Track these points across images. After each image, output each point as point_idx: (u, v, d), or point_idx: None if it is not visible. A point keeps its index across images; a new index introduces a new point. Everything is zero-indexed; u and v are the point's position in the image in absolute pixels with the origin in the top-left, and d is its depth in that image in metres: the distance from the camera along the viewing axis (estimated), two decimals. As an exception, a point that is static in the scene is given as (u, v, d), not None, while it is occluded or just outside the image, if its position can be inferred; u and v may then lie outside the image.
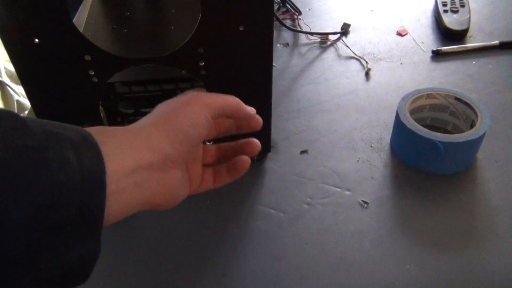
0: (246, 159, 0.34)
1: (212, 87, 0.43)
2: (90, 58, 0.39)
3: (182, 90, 0.48)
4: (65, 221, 0.20)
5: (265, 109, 0.46)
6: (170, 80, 0.47)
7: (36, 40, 0.37)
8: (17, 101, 1.22)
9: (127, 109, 0.50)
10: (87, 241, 0.21)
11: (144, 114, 0.50)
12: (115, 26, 0.51)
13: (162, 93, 0.48)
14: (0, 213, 0.18)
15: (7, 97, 1.19)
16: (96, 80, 0.40)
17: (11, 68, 1.21)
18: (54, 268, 0.20)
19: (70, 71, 0.39)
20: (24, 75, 0.40)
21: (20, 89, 1.23)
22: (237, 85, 0.43)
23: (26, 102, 1.26)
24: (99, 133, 0.23)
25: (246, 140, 0.35)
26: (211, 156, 0.36)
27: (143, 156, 0.25)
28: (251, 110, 0.33)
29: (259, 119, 0.34)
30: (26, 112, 1.37)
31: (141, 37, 0.48)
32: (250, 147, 0.34)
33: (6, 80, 1.18)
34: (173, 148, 0.27)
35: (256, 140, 0.35)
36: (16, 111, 1.20)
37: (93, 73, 0.40)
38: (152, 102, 0.49)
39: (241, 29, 0.38)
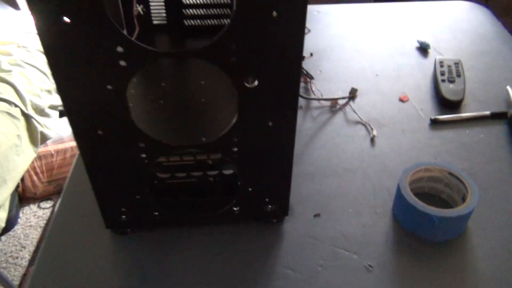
0: None
1: (242, 165, 0.50)
2: (144, 145, 0.47)
3: (213, 160, 0.56)
4: None
5: (286, 179, 0.53)
6: (197, 151, 0.54)
7: (100, 132, 0.45)
8: (41, 132, 1.29)
9: (164, 174, 0.57)
10: None
11: (179, 178, 0.57)
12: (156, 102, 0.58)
13: (195, 162, 0.56)
14: None
15: (31, 128, 1.27)
16: (147, 161, 0.48)
17: (37, 101, 1.29)
18: None
19: (126, 155, 0.47)
20: (89, 158, 0.47)
21: (44, 120, 1.32)
22: (264, 163, 0.51)
23: (49, 132, 1.34)
24: None
25: None
26: None
27: None
28: None
29: None
30: (48, 142, 1.45)
31: (183, 124, 0.55)
32: None
33: (32, 112, 1.26)
34: None
35: None
36: (39, 141, 1.28)
37: (144, 156, 0.48)
38: (185, 168, 0.56)
39: (270, 124, 0.46)
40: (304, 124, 0.72)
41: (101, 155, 0.47)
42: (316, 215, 0.58)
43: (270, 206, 0.55)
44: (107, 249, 0.55)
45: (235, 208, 0.55)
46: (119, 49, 0.38)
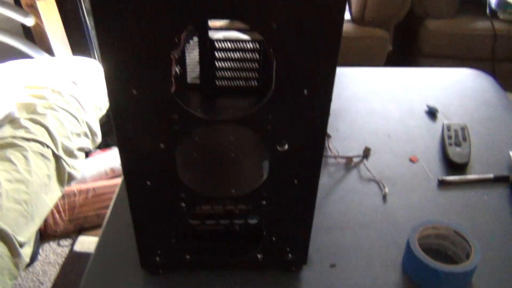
0: None
1: (268, 217, 0.57)
2: (184, 195, 0.53)
3: (241, 210, 0.62)
4: None
5: (306, 231, 0.59)
6: (230, 202, 0.61)
7: (148, 182, 0.52)
8: (68, 172, 1.37)
9: (195, 220, 0.63)
10: None
11: (208, 225, 0.63)
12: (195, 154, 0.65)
13: (223, 211, 0.62)
14: None
15: (60, 169, 1.34)
16: (185, 210, 0.54)
17: (67, 143, 1.37)
18: None
19: (168, 204, 0.54)
20: (136, 205, 0.54)
21: (71, 162, 1.39)
22: (288, 215, 0.57)
23: (75, 173, 1.41)
24: None
25: None
26: None
27: None
28: None
29: None
30: (73, 183, 1.52)
31: (216, 177, 0.61)
32: None
33: (62, 154, 1.34)
34: None
35: None
36: (66, 181, 1.35)
37: (184, 205, 0.54)
38: (214, 216, 0.63)
39: (295, 182, 0.53)
40: (322, 179, 0.77)
41: (147, 202, 0.54)
42: (332, 265, 0.63)
43: (290, 255, 0.61)
44: (140, 287, 0.60)
45: (258, 255, 0.61)
46: (175, 116, 0.46)
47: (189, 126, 0.47)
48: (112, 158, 1.77)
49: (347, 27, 1.95)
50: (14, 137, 1.26)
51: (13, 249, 1.11)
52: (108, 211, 0.73)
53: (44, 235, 1.56)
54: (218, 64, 0.74)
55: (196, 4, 0.40)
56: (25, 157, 1.24)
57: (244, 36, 0.76)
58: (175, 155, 0.50)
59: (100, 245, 0.67)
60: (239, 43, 0.73)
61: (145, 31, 0.41)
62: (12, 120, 1.31)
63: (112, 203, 0.74)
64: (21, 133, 1.28)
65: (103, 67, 0.42)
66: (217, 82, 0.76)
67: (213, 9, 0.40)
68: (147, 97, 0.44)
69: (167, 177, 0.51)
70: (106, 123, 1.65)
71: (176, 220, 0.56)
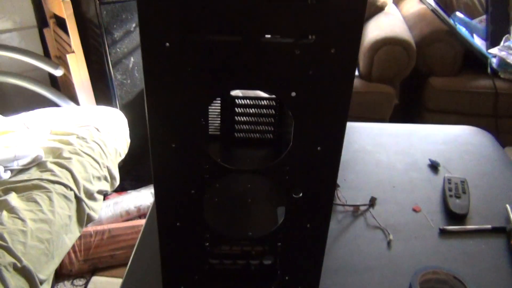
0: None
1: (283, 257, 0.63)
2: (208, 236, 0.60)
3: (257, 251, 0.68)
4: None
5: (317, 272, 0.65)
6: (248, 244, 0.67)
7: (178, 223, 0.59)
8: (88, 214, 1.44)
9: (214, 260, 0.69)
10: None
11: (226, 265, 0.69)
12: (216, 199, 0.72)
13: (241, 252, 0.68)
14: None
15: (80, 210, 1.41)
16: (208, 249, 0.61)
17: (88, 186, 1.45)
18: None
19: (194, 243, 0.60)
20: (166, 243, 0.60)
21: (91, 204, 1.46)
22: (301, 256, 0.63)
23: (94, 215, 1.48)
24: None
25: None
26: None
27: None
28: None
29: None
30: (90, 224, 1.59)
31: (235, 220, 0.68)
32: None
33: (83, 196, 1.42)
34: None
35: None
36: (85, 222, 1.42)
37: (207, 244, 0.61)
38: (233, 257, 0.69)
39: (308, 226, 0.59)
40: (331, 225, 0.83)
41: (175, 242, 0.60)
42: (340, 306, 0.68)
43: (301, 295, 0.66)
44: (164, 321, 0.66)
45: (272, 294, 0.66)
46: (206, 166, 0.53)
47: (217, 174, 0.54)
48: (127, 201, 1.84)
49: (356, 82, 2.05)
50: (40, 179, 1.35)
51: (34, 286, 1.17)
52: (133, 251, 0.79)
53: (59, 274, 1.60)
54: (237, 118, 0.83)
55: (226, 79, 0.48)
56: (50, 198, 1.31)
57: (262, 93, 0.85)
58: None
59: (125, 283, 0.73)
60: (257, 100, 0.81)
61: (184, 101, 0.49)
62: (39, 164, 1.39)
63: (137, 243, 0.81)
64: (47, 175, 1.37)
65: (149, 126, 0.51)
66: (235, 134, 0.84)
67: (240, 82, 0.49)
68: (184, 149, 0.52)
69: (195, 219, 0.58)
70: (122, 167, 1.73)
71: (199, 259, 0.63)
